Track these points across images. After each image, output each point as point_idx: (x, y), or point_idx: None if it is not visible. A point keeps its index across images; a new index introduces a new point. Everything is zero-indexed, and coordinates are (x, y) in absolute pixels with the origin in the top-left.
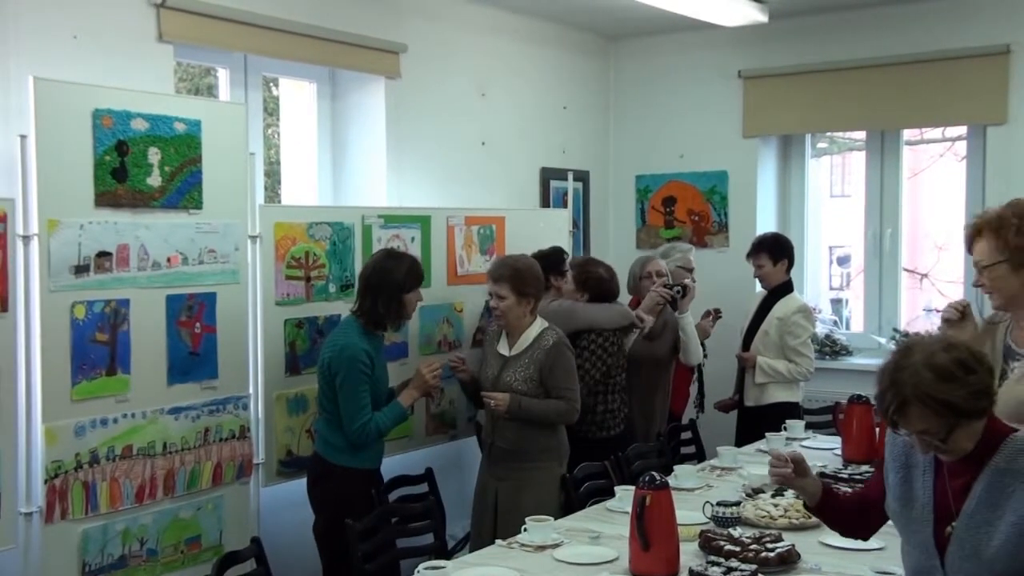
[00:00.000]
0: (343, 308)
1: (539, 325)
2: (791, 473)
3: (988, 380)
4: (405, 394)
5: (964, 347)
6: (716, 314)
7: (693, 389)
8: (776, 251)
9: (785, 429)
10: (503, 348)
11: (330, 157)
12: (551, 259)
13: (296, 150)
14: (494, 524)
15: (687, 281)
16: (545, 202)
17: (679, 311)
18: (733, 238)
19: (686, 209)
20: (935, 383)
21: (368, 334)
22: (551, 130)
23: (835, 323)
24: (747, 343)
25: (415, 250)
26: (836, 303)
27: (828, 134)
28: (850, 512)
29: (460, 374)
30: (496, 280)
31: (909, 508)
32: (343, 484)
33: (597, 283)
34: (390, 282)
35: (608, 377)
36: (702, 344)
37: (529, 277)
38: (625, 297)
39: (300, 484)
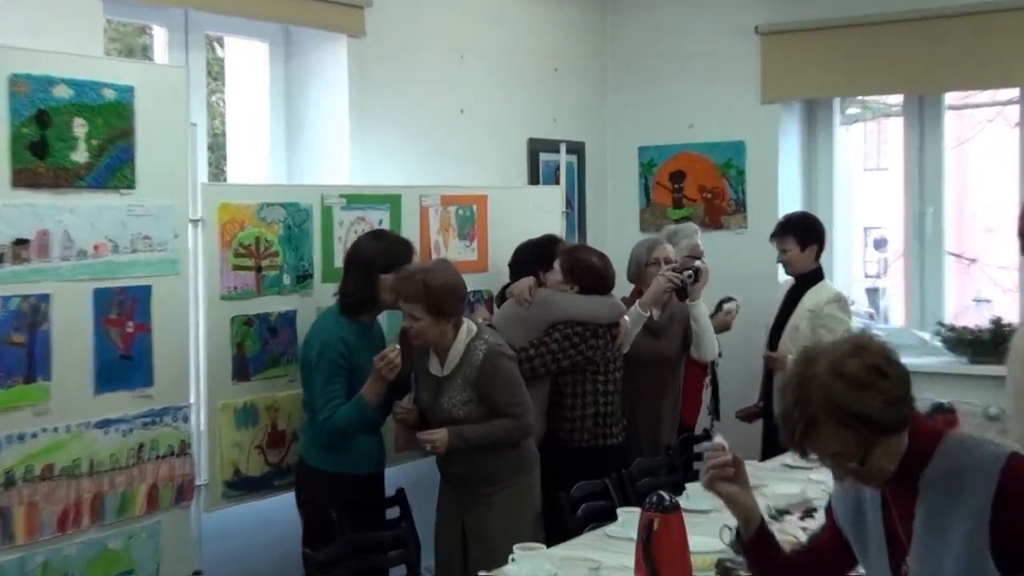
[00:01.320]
0: (299, 303)
1: (465, 336)
2: (730, 470)
3: (904, 386)
4: (366, 386)
5: (876, 349)
6: (728, 301)
7: (706, 395)
8: (804, 233)
9: None
10: (435, 367)
11: (284, 128)
12: (541, 250)
13: (245, 120)
14: (464, 558)
15: (698, 263)
16: (534, 178)
17: (690, 298)
18: (752, 218)
19: (697, 185)
20: (847, 393)
21: (348, 321)
22: (540, 96)
23: (871, 316)
24: (774, 341)
25: None
26: (872, 292)
27: (859, 98)
28: (788, 567)
29: (401, 416)
30: (406, 299)
31: (865, 549)
32: (318, 490)
33: (587, 272)
34: (361, 260)
35: (583, 370)
36: (718, 340)
37: (446, 296)
38: (625, 287)
39: (249, 509)
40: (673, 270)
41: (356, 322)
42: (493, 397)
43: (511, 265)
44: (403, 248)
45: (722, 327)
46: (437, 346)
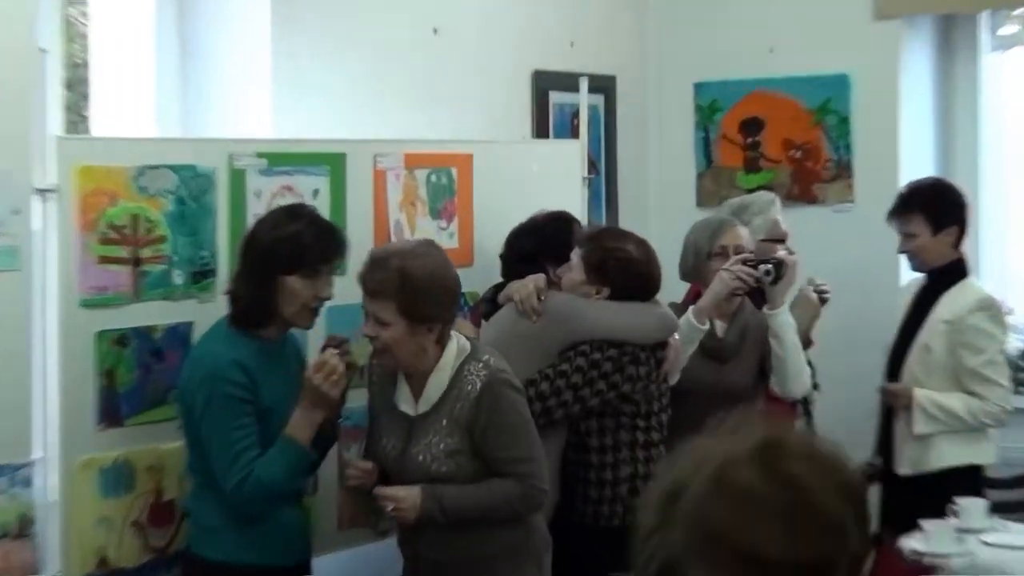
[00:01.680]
0: (196, 312)
1: (455, 357)
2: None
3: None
4: (294, 420)
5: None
6: (819, 294)
7: None
8: (939, 210)
9: (955, 514)
10: (405, 402)
11: (177, 56)
12: (550, 235)
13: (118, 48)
14: None
15: (782, 253)
16: (542, 129)
17: (769, 304)
18: (862, 188)
19: (781, 139)
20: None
21: (243, 337)
22: (550, 8)
23: None
24: (895, 367)
25: (319, 209)
26: None
27: (1019, 11)
28: None
29: (356, 482)
30: (372, 294)
31: None
32: None
33: (623, 267)
34: (255, 252)
35: (616, 412)
36: (810, 365)
37: (430, 293)
38: (675, 288)
39: None
40: (746, 262)
41: (255, 339)
42: (491, 447)
43: (505, 257)
44: (324, 236)
45: (806, 315)
46: (411, 368)
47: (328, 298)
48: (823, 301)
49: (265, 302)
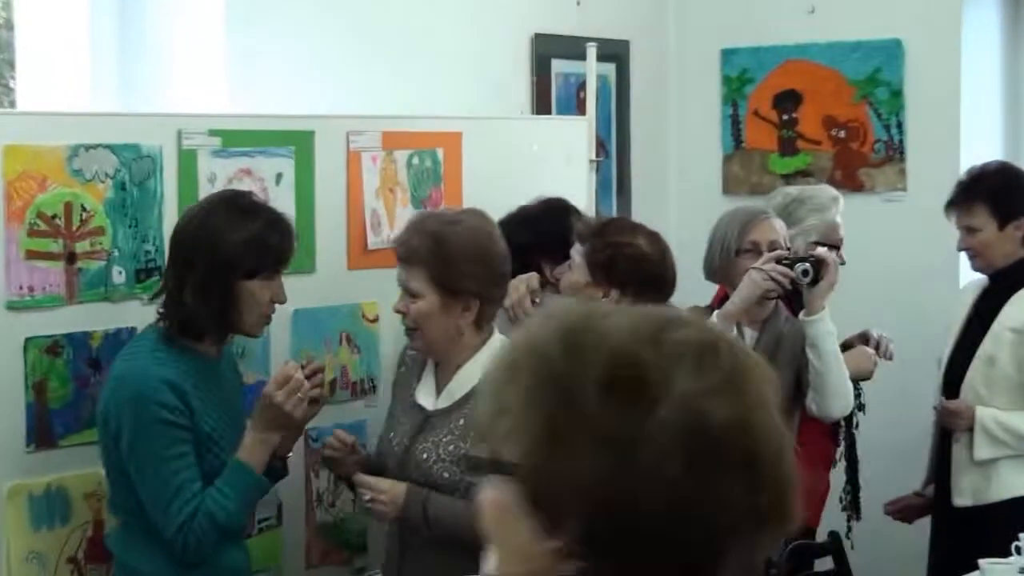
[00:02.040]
0: (140, 316)
1: (492, 351)
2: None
3: None
4: (247, 442)
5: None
6: (877, 347)
7: (837, 475)
8: (1006, 200)
9: (1018, 551)
10: (425, 394)
11: (117, 19)
12: (543, 227)
13: (48, 8)
14: None
15: (821, 251)
16: (543, 103)
17: (808, 310)
18: (916, 174)
19: (821, 117)
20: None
21: (173, 353)
22: None
23: None
24: (953, 381)
25: (284, 198)
26: None
27: None
28: None
29: (330, 453)
30: (405, 259)
31: None
32: None
33: (635, 265)
34: (213, 250)
35: None
36: (856, 385)
37: (470, 265)
38: (700, 289)
39: None
40: (780, 261)
41: (191, 355)
42: None
43: None
44: (286, 234)
45: (857, 365)
46: (442, 353)
47: (283, 302)
48: (886, 356)
49: (225, 313)
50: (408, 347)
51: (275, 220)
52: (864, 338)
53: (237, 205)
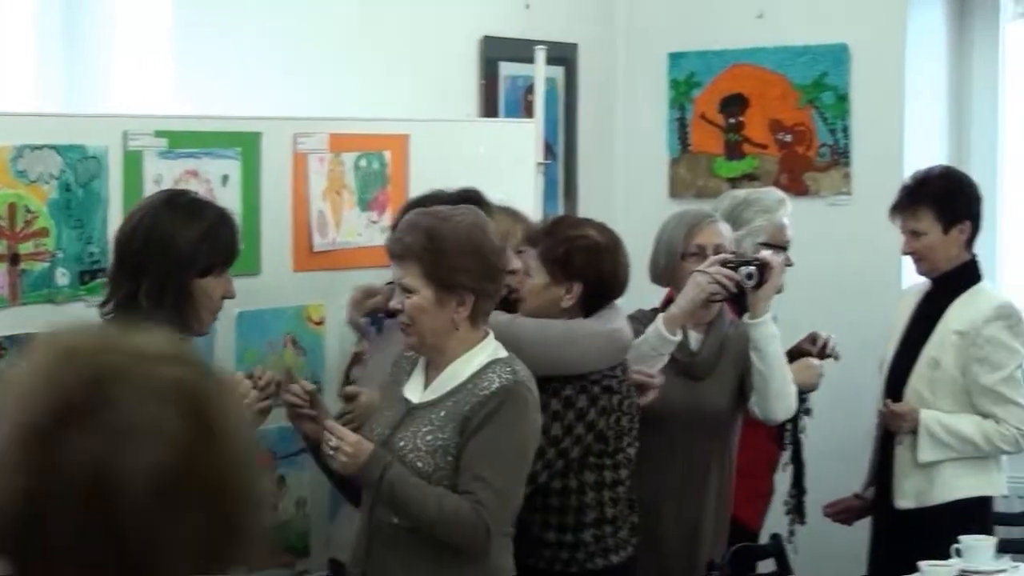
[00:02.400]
0: (85, 318)
1: (486, 351)
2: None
3: None
4: None
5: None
6: (822, 349)
7: (782, 477)
8: (950, 204)
9: (958, 553)
10: (413, 388)
11: (60, 18)
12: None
13: None
14: None
15: (766, 254)
16: (490, 106)
17: (751, 314)
18: (860, 178)
19: (767, 121)
20: None
21: None
22: None
23: None
24: (896, 384)
25: (230, 199)
26: None
27: None
28: None
29: (305, 423)
30: (397, 256)
31: None
32: None
33: (592, 258)
34: (168, 251)
35: (585, 453)
36: (801, 394)
37: (464, 261)
38: (647, 294)
39: None
40: (725, 263)
41: None
42: (468, 454)
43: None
44: (228, 229)
45: (804, 375)
46: (437, 349)
47: (232, 296)
48: (831, 356)
49: (181, 314)
50: (404, 352)
51: (222, 215)
52: (812, 339)
53: (180, 204)
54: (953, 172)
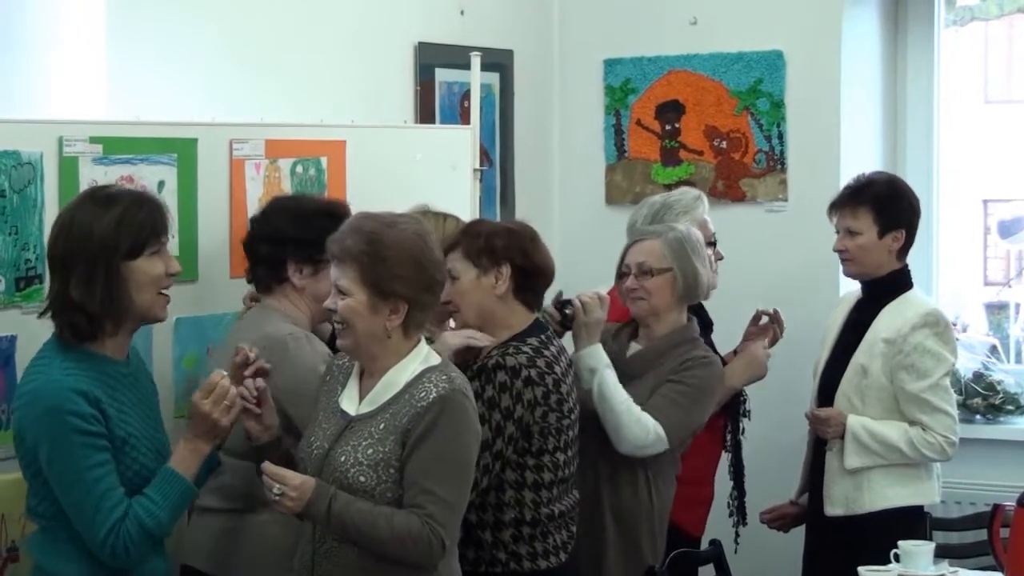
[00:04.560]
0: (20, 325)
1: (419, 358)
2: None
3: None
4: (178, 452)
5: None
6: (770, 321)
7: (722, 480)
8: (889, 209)
9: (896, 558)
10: (349, 400)
11: None
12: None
13: None
14: None
15: (584, 294)
16: (426, 112)
17: (576, 345)
18: (796, 184)
19: (703, 127)
20: None
21: (81, 360)
22: None
23: (993, 351)
24: (827, 390)
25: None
26: (995, 310)
27: None
28: None
29: (250, 420)
30: (339, 257)
31: None
32: None
33: (512, 239)
34: (87, 240)
35: (524, 453)
36: (740, 392)
37: (402, 267)
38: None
39: None
40: (554, 302)
41: (97, 360)
42: (411, 468)
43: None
44: (146, 208)
45: (752, 378)
46: (370, 354)
47: (177, 272)
48: (778, 329)
49: (114, 299)
50: (336, 357)
51: (138, 197)
52: (756, 319)
53: (98, 197)
54: (898, 181)
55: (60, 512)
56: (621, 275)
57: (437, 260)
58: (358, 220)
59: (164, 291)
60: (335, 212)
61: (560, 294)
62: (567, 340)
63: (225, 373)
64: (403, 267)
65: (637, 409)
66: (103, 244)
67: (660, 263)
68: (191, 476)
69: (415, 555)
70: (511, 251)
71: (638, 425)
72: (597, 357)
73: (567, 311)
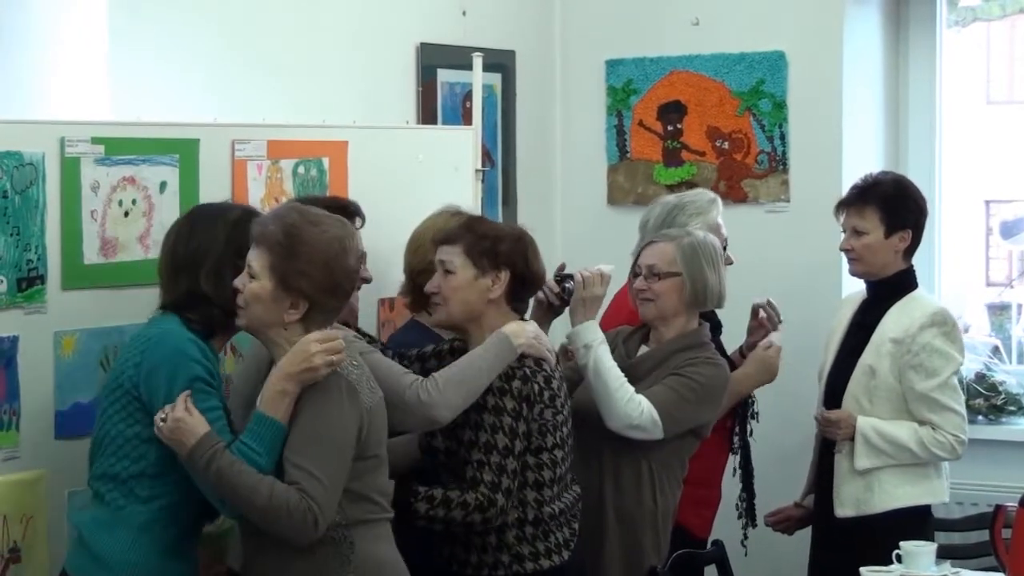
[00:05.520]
0: (22, 325)
1: None
2: None
3: None
4: (267, 395)
5: None
6: (766, 313)
7: (730, 482)
8: (896, 209)
9: (898, 559)
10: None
11: None
12: None
13: None
14: None
15: (588, 269)
16: (428, 113)
17: (574, 322)
18: (798, 185)
19: (705, 128)
20: None
21: (198, 338)
22: None
23: (995, 352)
24: (834, 392)
25: (168, 206)
26: (996, 311)
27: None
28: None
29: None
30: (257, 239)
31: None
32: None
33: (516, 245)
34: (214, 241)
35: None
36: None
37: (311, 258)
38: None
39: None
40: (556, 277)
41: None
42: (287, 444)
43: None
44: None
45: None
46: (264, 337)
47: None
48: (777, 322)
49: (223, 299)
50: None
51: (246, 209)
52: (755, 312)
53: (207, 207)
54: (906, 181)
55: (139, 474)
56: (634, 275)
57: (349, 268)
58: (286, 209)
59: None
60: (345, 207)
61: (562, 267)
62: (564, 317)
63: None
64: (312, 266)
65: (632, 389)
66: (228, 240)
67: (669, 267)
68: (282, 417)
69: (289, 527)
70: (514, 258)
71: (631, 403)
72: (593, 332)
73: (567, 285)
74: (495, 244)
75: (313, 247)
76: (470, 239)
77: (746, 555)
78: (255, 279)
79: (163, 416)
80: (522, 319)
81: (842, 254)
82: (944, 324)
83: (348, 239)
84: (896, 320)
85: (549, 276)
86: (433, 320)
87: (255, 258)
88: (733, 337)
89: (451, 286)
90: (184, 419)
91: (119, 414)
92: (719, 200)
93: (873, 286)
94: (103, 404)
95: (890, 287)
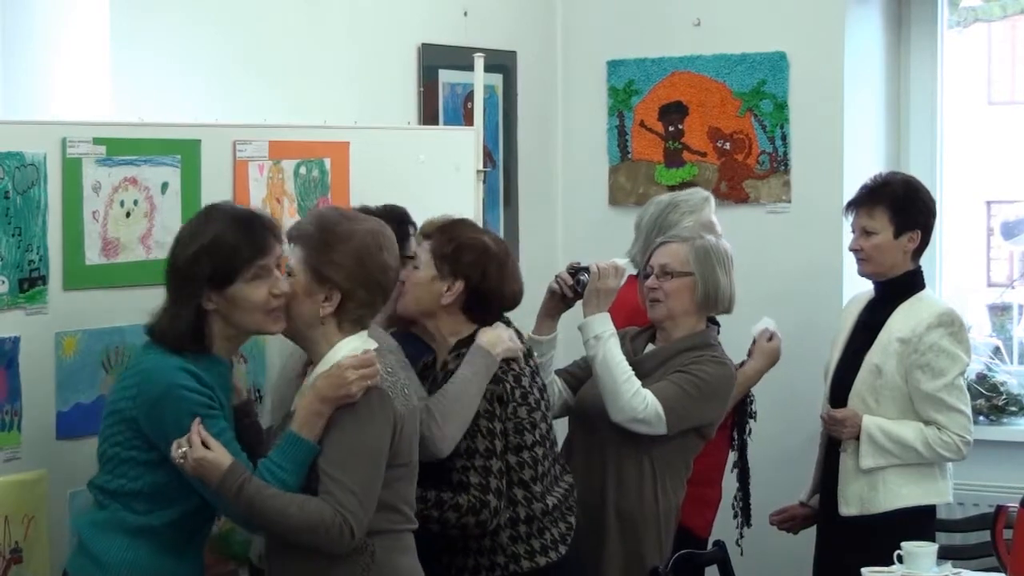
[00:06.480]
0: (23, 326)
1: (346, 350)
2: None
3: None
4: (301, 416)
5: None
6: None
7: (728, 482)
8: (906, 209)
9: (899, 559)
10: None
11: (0, 26)
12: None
13: None
14: None
15: (603, 262)
16: (429, 114)
17: (586, 313)
18: (799, 185)
19: (706, 128)
20: None
21: (182, 355)
22: None
23: (997, 352)
24: (840, 391)
25: (170, 207)
26: (998, 311)
27: None
28: None
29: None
30: (292, 239)
31: None
32: None
33: (478, 257)
34: (173, 268)
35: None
36: (747, 393)
37: (345, 250)
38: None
39: None
40: (569, 268)
41: (202, 357)
42: (321, 456)
43: None
44: (253, 235)
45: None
46: (301, 337)
47: (283, 293)
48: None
49: (206, 328)
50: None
51: (238, 216)
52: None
53: (199, 216)
54: (916, 182)
55: (136, 492)
56: (645, 276)
57: (383, 263)
58: (323, 209)
59: (274, 309)
60: (400, 217)
61: (578, 262)
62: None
63: (374, 350)
64: (344, 256)
65: (639, 383)
66: (183, 274)
67: (682, 267)
68: (314, 438)
69: (325, 542)
70: (472, 269)
71: (636, 396)
72: (604, 324)
73: (581, 277)
74: (457, 252)
75: (346, 238)
76: (438, 240)
77: (741, 554)
78: (292, 276)
79: (182, 452)
80: (507, 323)
81: (844, 255)
82: (951, 325)
83: (383, 235)
84: (903, 320)
85: (549, 275)
86: (397, 308)
87: (292, 256)
88: (732, 338)
89: (411, 280)
90: (206, 457)
91: (116, 436)
92: (712, 198)
93: (881, 286)
94: (104, 421)
95: (898, 287)
